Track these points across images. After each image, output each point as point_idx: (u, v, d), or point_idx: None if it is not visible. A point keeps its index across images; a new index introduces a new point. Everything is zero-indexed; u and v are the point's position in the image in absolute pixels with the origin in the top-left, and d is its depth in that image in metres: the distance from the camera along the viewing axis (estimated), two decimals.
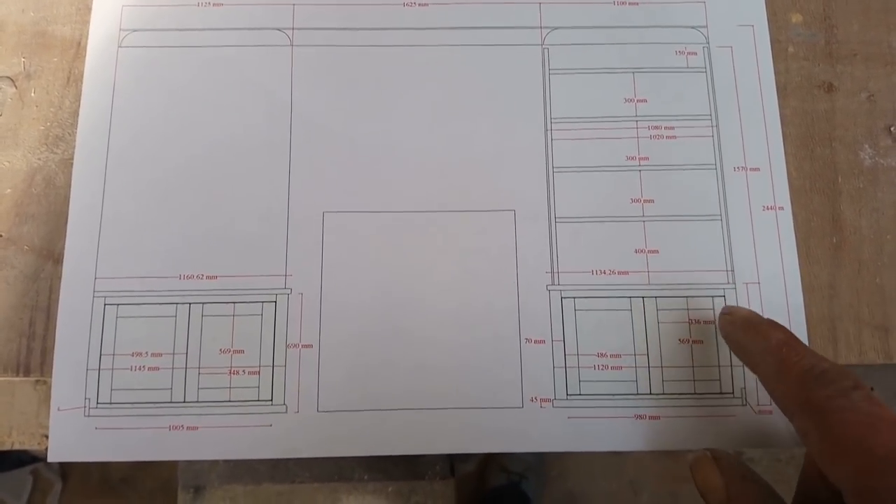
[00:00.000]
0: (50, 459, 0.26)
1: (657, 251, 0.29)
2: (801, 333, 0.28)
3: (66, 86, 0.30)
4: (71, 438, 0.27)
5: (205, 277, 0.28)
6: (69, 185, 0.29)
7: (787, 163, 0.29)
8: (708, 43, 0.31)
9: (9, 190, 0.29)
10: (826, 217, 0.29)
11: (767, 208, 0.29)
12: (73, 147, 0.29)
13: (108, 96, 0.30)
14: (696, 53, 0.31)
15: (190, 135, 0.29)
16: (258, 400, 0.27)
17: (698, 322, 0.28)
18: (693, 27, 0.31)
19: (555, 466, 0.94)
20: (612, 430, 0.27)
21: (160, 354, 0.27)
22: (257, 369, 0.27)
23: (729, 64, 0.30)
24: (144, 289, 0.28)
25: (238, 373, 0.27)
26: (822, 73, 0.31)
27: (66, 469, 0.95)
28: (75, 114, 0.30)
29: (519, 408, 0.27)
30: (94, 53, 0.30)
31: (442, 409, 0.27)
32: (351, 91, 0.30)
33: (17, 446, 0.29)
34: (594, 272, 0.28)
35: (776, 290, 0.28)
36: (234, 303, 0.28)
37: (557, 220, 0.29)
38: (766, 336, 0.24)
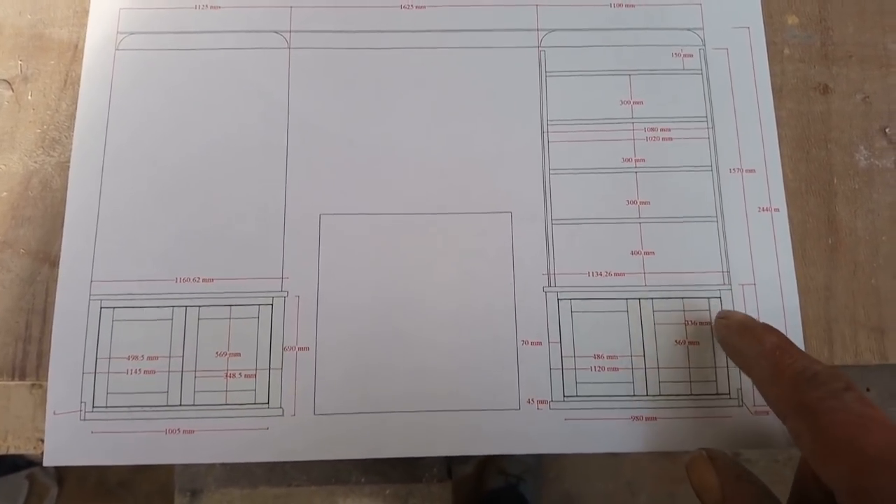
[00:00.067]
0: (46, 464, 0.26)
1: (653, 253, 0.29)
2: (796, 335, 0.28)
3: (62, 88, 0.30)
4: (67, 442, 0.27)
5: (201, 280, 0.28)
6: (65, 188, 0.29)
7: (782, 164, 0.29)
8: (704, 45, 0.31)
9: (5, 193, 0.29)
10: (822, 218, 0.30)
11: (763, 210, 0.29)
12: (70, 150, 0.29)
13: (105, 99, 0.30)
14: (692, 55, 0.31)
15: (187, 137, 0.29)
16: (255, 403, 0.27)
17: (694, 323, 0.28)
18: (689, 29, 0.31)
19: (552, 468, 0.94)
20: (609, 431, 0.27)
21: (156, 357, 0.27)
22: (254, 372, 0.27)
23: (725, 66, 0.30)
24: (140, 292, 0.28)
25: (234, 376, 0.27)
26: (817, 75, 0.31)
27: (62, 473, 0.95)
28: (72, 117, 0.30)
29: (516, 409, 0.27)
30: (91, 56, 0.30)
31: (439, 412, 0.27)
32: (348, 93, 0.30)
33: (12, 451, 0.29)
34: (591, 274, 0.28)
35: (772, 291, 0.28)
36: (230, 305, 0.28)
37: (554, 221, 0.29)
38: (760, 340, 0.24)
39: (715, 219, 0.29)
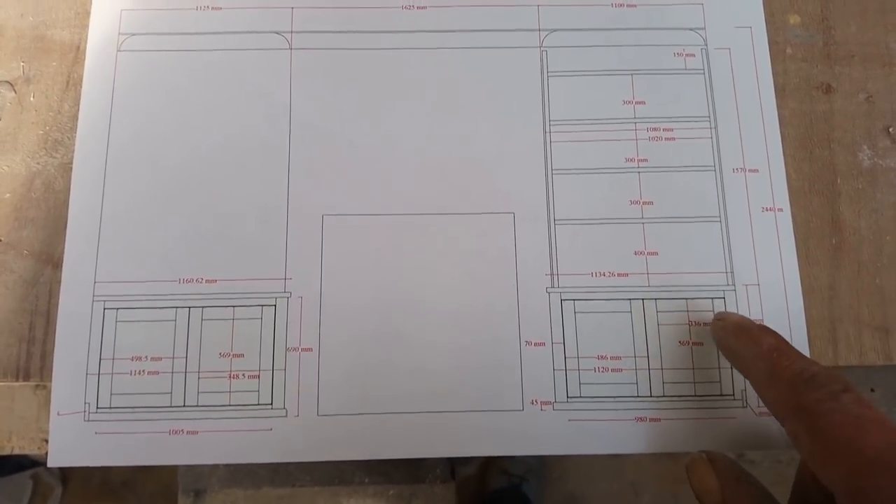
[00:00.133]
0: (50, 464, 0.26)
1: (656, 253, 0.29)
2: (800, 335, 0.28)
3: (65, 90, 0.30)
4: (71, 443, 0.27)
5: (204, 281, 0.28)
6: (68, 190, 0.29)
7: (785, 164, 0.29)
8: (706, 45, 0.31)
9: (8, 194, 0.29)
10: (825, 218, 0.29)
11: (766, 210, 0.29)
12: (73, 151, 0.29)
13: (108, 100, 0.30)
14: (694, 55, 0.31)
15: (189, 138, 0.29)
16: (258, 404, 0.27)
17: (698, 324, 0.28)
18: (691, 29, 0.31)
19: (555, 468, 0.94)
20: (613, 432, 0.27)
21: (160, 358, 0.27)
22: (257, 373, 0.27)
23: (727, 65, 0.30)
24: (144, 293, 0.28)
25: (238, 377, 0.27)
26: (820, 75, 0.31)
27: (66, 473, 0.95)
28: (74, 118, 0.30)
29: (519, 410, 0.27)
30: (93, 57, 0.30)
31: (442, 413, 0.27)
32: (350, 94, 0.30)
33: (16, 451, 0.29)
34: (594, 274, 0.28)
35: (776, 291, 0.28)
36: (233, 306, 0.28)
37: (557, 222, 0.29)
38: (757, 341, 0.24)
39: (718, 219, 0.29)
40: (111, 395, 0.27)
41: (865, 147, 0.30)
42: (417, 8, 0.31)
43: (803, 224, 0.29)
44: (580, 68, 0.30)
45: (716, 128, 0.30)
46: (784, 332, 0.27)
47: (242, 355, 0.28)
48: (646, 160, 0.29)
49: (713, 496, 0.22)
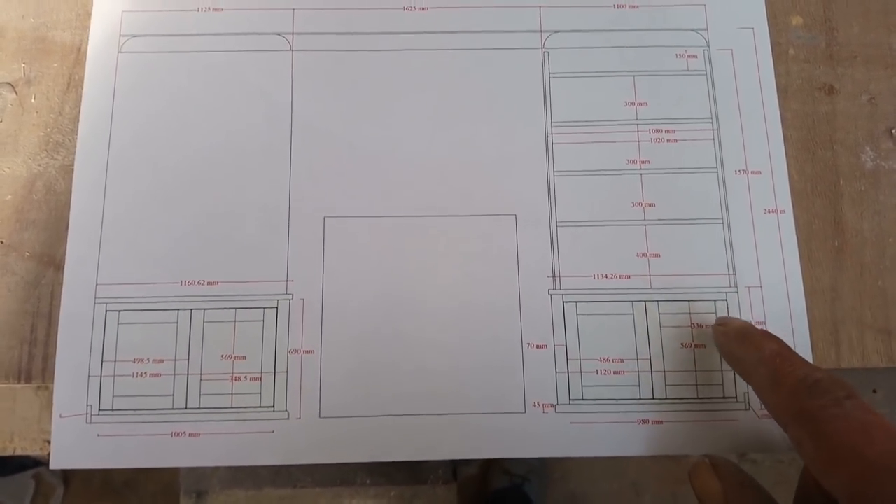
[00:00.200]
0: (52, 467, 0.26)
1: (659, 255, 0.28)
2: (803, 337, 0.28)
3: (66, 91, 0.30)
4: (73, 445, 0.27)
5: (206, 283, 0.28)
6: (70, 191, 0.29)
7: (788, 166, 0.29)
8: (708, 46, 0.31)
9: (9, 196, 0.29)
10: (828, 220, 0.29)
11: (769, 211, 0.29)
12: (74, 153, 0.29)
13: (109, 102, 0.30)
14: (696, 56, 0.30)
15: (190, 140, 0.29)
16: (260, 406, 0.27)
17: (700, 326, 0.28)
18: (693, 30, 0.31)
19: (557, 468, 0.94)
20: (615, 435, 0.27)
21: (161, 361, 0.27)
22: (259, 375, 0.27)
23: (729, 67, 0.30)
24: (145, 295, 0.28)
25: (240, 379, 0.27)
26: (822, 76, 0.31)
27: (67, 473, 0.95)
28: (75, 119, 0.30)
29: (521, 413, 0.27)
30: (94, 59, 0.30)
31: (444, 415, 0.27)
32: (351, 95, 0.30)
33: (18, 452, 0.29)
34: (596, 276, 0.28)
35: (778, 293, 0.28)
36: (235, 308, 0.28)
37: (559, 224, 0.29)
38: (759, 347, 0.24)
39: (720, 221, 0.29)
40: (113, 397, 0.27)
41: (868, 148, 0.30)
42: (419, 9, 0.31)
43: (806, 226, 0.29)
44: (582, 70, 0.30)
45: (718, 129, 0.30)
46: (786, 335, 0.27)
47: (244, 357, 0.28)
48: (648, 162, 0.29)
49: (716, 500, 0.22)
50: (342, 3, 0.31)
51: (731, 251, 0.28)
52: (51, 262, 0.29)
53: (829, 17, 0.31)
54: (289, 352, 0.28)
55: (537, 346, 0.28)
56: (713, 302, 0.28)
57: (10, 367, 0.28)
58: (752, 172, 0.29)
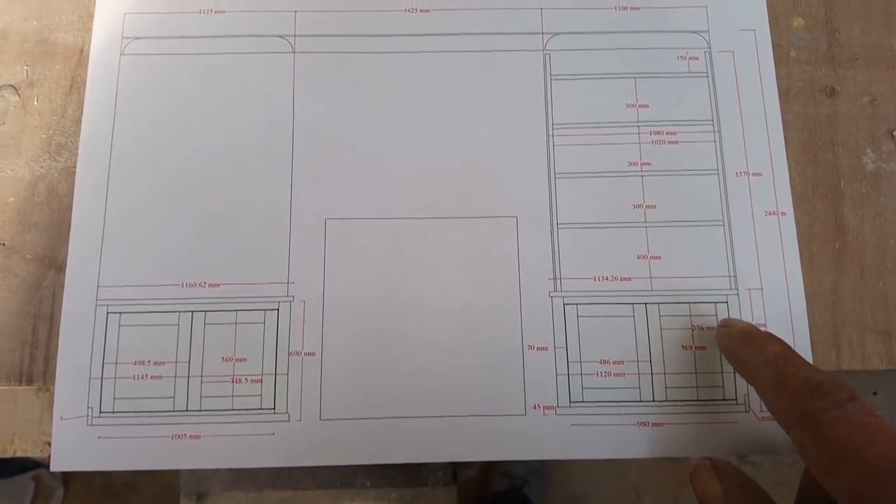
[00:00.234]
0: (53, 469, 0.26)
1: (659, 257, 0.28)
2: (803, 339, 0.28)
3: (68, 94, 0.30)
4: (74, 448, 0.27)
5: (207, 285, 0.28)
6: (72, 194, 0.29)
7: (789, 167, 0.29)
8: (709, 47, 0.31)
9: (11, 198, 0.29)
10: (829, 222, 0.29)
11: (770, 213, 0.29)
12: (76, 155, 0.29)
13: (111, 104, 0.30)
14: (697, 58, 0.30)
15: (192, 142, 0.29)
16: (261, 408, 0.27)
17: (701, 328, 0.28)
18: (694, 32, 0.31)
19: (557, 471, 0.94)
20: (616, 437, 0.27)
21: (162, 363, 0.27)
22: (260, 377, 0.27)
23: (731, 68, 0.30)
24: (147, 297, 0.28)
25: (240, 381, 0.27)
26: (824, 78, 0.31)
27: (67, 475, 0.95)
28: (78, 122, 0.30)
29: (522, 415, 0.27)
30: (97, 61, 0.30)
31: (445, 417, 0.27)
32: (353, 97, 0.30)
33: (19, 454, 0.29)
34: (596, 278, 0.28)
35: (779, 295, 0.28)
36: (236, 310, 0.28)
37: (559, 225, 0.29)
38: (763, 349, 0.24)
39: (721, 223, 0.29)
40: (114, 399, 0.27)
41: (869, 150, 0.30)
42: (420, 11, 0.31)
43: (807, 228, 0.29)
44: (583, 71, 0.30)
45: (719, 131, 0.30)
46: (787, 337, 0.27)
47: (245, 359, 0.28)
48: (649, 164, 0.29)
49: (717, 503, 0.22)
50: (344, 6, 0.31)
51: (732, 253, 0.28)
52: (52, 264, 0.29)
53: (831, 19, 0.31)
54: (289, 354, 0.28)
55: (538, 348, 0.28)
56: (714, 304, 0.28)
57: (11, 369, 0.28)
58: (752, 174, 0.29)
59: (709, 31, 0.31)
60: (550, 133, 0.30)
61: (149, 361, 0.27)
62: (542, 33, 0.31)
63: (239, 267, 0.28)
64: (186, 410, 0.27)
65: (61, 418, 0.27)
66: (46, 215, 0.29)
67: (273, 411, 0.27)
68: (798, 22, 0.31)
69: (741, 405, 0.27)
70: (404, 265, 0.28)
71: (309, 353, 0.28)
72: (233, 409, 0.27)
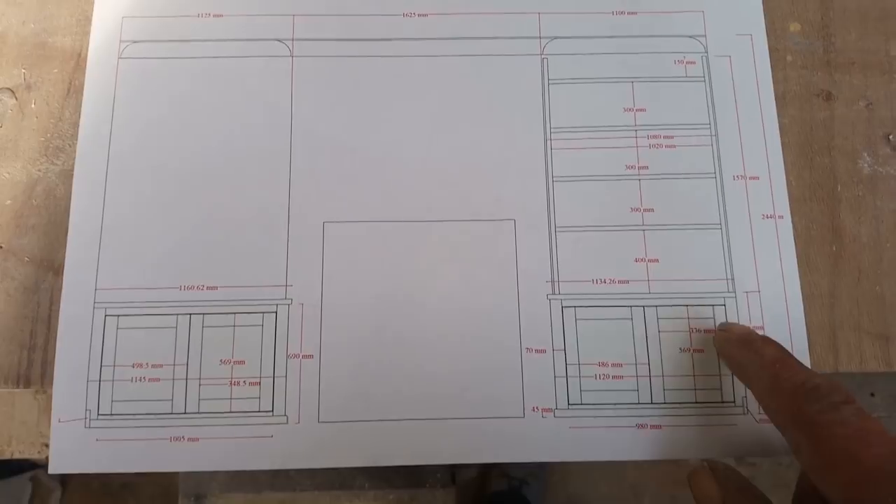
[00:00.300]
0: (51, 471, 0.26)
1: (657, 260, 0.29)
2: (801, 342, 0.28)
3: (66, 97, 0.30)
4: (72, 450, 0.27)
5: (205, 288, 0.28)
6: (69, 197, 0.29)
7: (786, 171, 0.29)
8: (706, 52, 0.31)
9: (9, 201, 0.29)
10: (825, 225, 0.29)
11: (767, 217, 0.29)
12: (74, 158, 0.29)
13: (109, 107, 0.30)
14: (694, 63, 0.31)
15: (190, 145, 0.29)
16: (259, 411, 0.27)
17: (699, 331, 0.28)
18: (691, 36, 0.31)
19: (556, 472, 0.94)
20: (614, 439, 0.27)
21: (161, 365, 0.27)
22: (258, 380, 0.27)
23: (727, 73, 0.30)
24: (145, 299, 0.28)
25: (239, 383, 0.27)
26: (820, 82, 0.31)
27: (65, 476, 0.95)
28: (75, 125, 0.30)
29: (520, 418, 0.27)
30: (95, 65, 0.30)
31: (443, 420, 0.27)
32: (351, 101, 0.30)
33: (17, 455, 0.29)
34: (595, 281, 0.28)
35: (776, 298, 0.28)
36: (234, 313, 0.28)
37: (557, 229, 0.29)
38: (760, 352, 0.24)
39: (719, 226, 0.29)
40: (112, 401, 0.27)
41: (865, 154, 0.30)
42: (418, 15, 0.31)
43: (804, 231, 0.29)
44: (581, 76, 0.30)
45: (716, 135, 0.30)
46: (784, 340, 0.27)
47: (243, 362, 0.28)
48: (646, 167, 0.29)
49: None
50: (342, 10, 0.31)
51: (730, 256, 0.29)
52: (50, 266, 0.29)
53: (827, 24, 0.32)
54: (288, 356, 0.28)
55: (536, 351, 0.28)
56: (711, 307, 0.28)
57: (9, 372, 0.28)
58: (750, 178, 0.29)
59: (706, 35, 0.31)
60: (548, 137, 0.30)
61: (147, 364, 0.27)
62: (540, 38, 0.31)
63: (237, 270, 0.28)
64: (185, 413, 0.27)
65: (59, 421, 0.27)
66: (44, 218, 0.29)
67: (271, 414, 0.27)
68: (794, 27, 0.32)
69: (739, 407, 0.27)
70: (402, 268, 0.28)
71: (307, 356, 0.28)
72: (231, 412, 0.27)
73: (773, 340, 0.25)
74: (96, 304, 0.28)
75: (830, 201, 0.30)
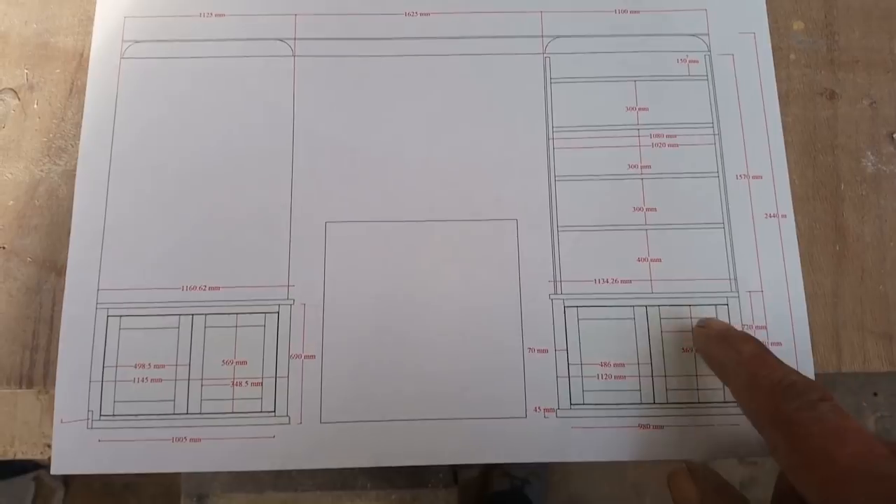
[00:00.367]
0: (53, 472, 0.26)
1: (660, 260, 0.28)
2: (804, 342, 0.28)
3: (68, 97, 0.30)
4: (74, 451, 0.27)
5: (207, 288, 0.28)
6: (72, 197, 0.29)
7: (789, 170, 0.29)
8: (709, 51, 0.31)
9: (11, 201, 0.29)
10: (829, 224, 0.29)
11: (770, 216, 0.29)
12: (76, 158, 0.29)
13: (111, 107, 0.30)
14: (697, 61, 0.30)
15: (192, 145, 0.29)
16: (261, 411, 0.27)
17: None
18: (694, 35, 0.31)
19: (557, 471, 0.94)
20: (616, 440, 0.27)
21: (163, 366, 0.27)
22: (260, 380, 0.27)
23: (730, 71, 0.30)
24: (147, 300, 0.28)
25: (241, 384, 0.27)
26: (823, 81, 0.31)
27: (68, 476, 0.95)
28: (78, 125, 0.30)
29: (522, 418, 0.27)
30: (97, 65, 0.30)
31: (445, 420, 0.27)
32: (353, 100, 0.30)
33: (19, 456, 0.29)
34: (597, 281, 0.28)
35: (779, 298, 0.28)
36: (236, 314, 0.28)
37: (560, 228, 0.29)
38: (738, 349, 0.24)
39: (722, 225, 0.29)
40: (114, 402, 0.27)
41: (869, 153, 0.30)
42: (420, 14, 0.31)
43: (807, 230, 0.29)
44: (583, 75, 0.30)
45: (719, 134, 0.30)
46: (787, 339, 0.27)
47: (245, 362, 0.28)
48: (649, 166, 0.29)
49: None
50: (344, 9, 0.31)
51: (732, 256, 0.28)
52: (52, 267, 0.29)
53: (830, 22, 0.31)
54: (290, 357, 0.28)
55: (538, 351, 0.28)
56: (714, 306, 0.28)
57: (11, 373, 0.28)
58: (753, 177, 0.29)
59: (709, 34, 0.31)
60: (550, 136, 0.30)
61: (149, 364, 0.27)
62: (542, 37, 0.31)
63: (239, 270, 0.28)
64: (187, 413, 0.27)
65: (61, 421, 0.27)
66: (46, 218, 0.29)
67: (273, 414, 0.27)
68: (798, 25, 0.31)
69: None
70: (404, 268, 0.28)
71: (309, 356, 0.28)
72: (233, 413, 0.27)
73: (751, 337, 0.25)
74: (98, 305, 0.28)
75: (834, 200, 0.30)
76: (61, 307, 0.28)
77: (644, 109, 0.30)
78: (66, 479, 0.95)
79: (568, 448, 0.27)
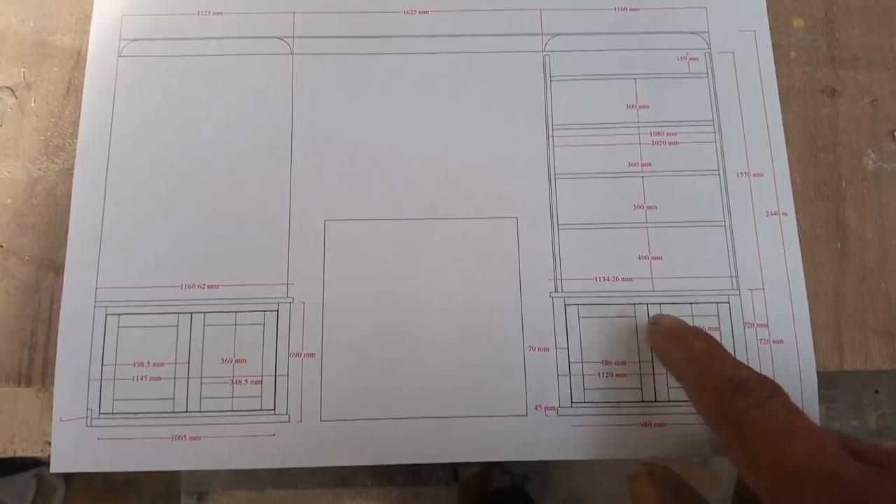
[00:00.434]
0: (53, 470, 0.26)
1: (660, 258, 0.28)
2: (806, 340, 0.28)
3: (66, 96, 0.30)
4: (73, 449, 0.27)
5: (206, 286, 0.28)
6: (70, 195, 0.29)
7: (790, 168, 0.29)
8: (709, 48, 0.31)
9: (9, 200, 0.29)
10: (830, 222, 0.29)
11: (771, 214, 0.29)
12: (74, 157, 0.29)
13: (109, 106, 0.30)
14: (697, 59, 0.30)
15: (190, 143, 0.29)
16: (261, 409, 0.27)
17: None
18: (694, 33, 0.31)
19: (558, 468, 0.94)
20: (617, 437, 0.27)
21: (162, 364, 0.27)
22: (259, 378, 0.27)
23: (731, 69, 0.30)
24: (146, 298, 0.28)
25: (240, 382, 0.27)
26: (824, 78, 0.31)
27: (69, 473, 0.95)
28: (75, 124, 0.30)
29: (523, 416, 0.27)
30: (94, 63, 0.30)
31: (445, 418, 0.27)
32: (352, 99, 0.30)
33: (19, 454, 0.29)
34: (598, 279, 0.28)
35: (780, 296, 0.28)
36: (235, 312, 0.28)
37: (560, 226, 0.29)
38: (688, 346, 0.24)
39: (723, 223, 0.29)
40: (113, 400, 0.27)
41: (870, 151, 0.30)
42: (419, 12, 0.31)
43: (808, 228, 0.29)
44: (583, 72, 0.30)
45: (720, 132, 0.30)
46: (789, 337, 0.27)
47: (245, 361, 0.27)
48: (649, 164, 0.29)
49: None
50: (343, 7, 0.31)
51: (734, 254, 0.28)
52: (51, 265, 0.29)
53: (831, 20, 0.31)
54: (289, 355, 0.28)
55: (539, 349, 0.28)
56: (715, 304, 0.28)
57: (10, 371, 0.28)
58: (754, 175, 0.29)
59: (709, 31, 0.31)
60: (550, 134, 0.30)
61: (148, 363, 0.27)
62: (542, 34, 0.31)
63: (238, 268, 0.28)
64: (186, 412, 0.27)
65: (61, 420, 0.27)
66: (44, 217, 0.29)
67: (273, 412, 0.27)
68: (798, 22, 0.31)
69: None
70: (404, 266, 0.28)
71: (309, 354, 0.28)
72: (233, 411, 0.27)
73: (703, 333, 0.24)
74: (97, 303, 0.28)
75: (835, 198, 0.30)
76: (60, 306, 0.28)
77: (644, 107, 0.30)
78: (68, 476, 0.95)
79: (569, 446, 0.27)
